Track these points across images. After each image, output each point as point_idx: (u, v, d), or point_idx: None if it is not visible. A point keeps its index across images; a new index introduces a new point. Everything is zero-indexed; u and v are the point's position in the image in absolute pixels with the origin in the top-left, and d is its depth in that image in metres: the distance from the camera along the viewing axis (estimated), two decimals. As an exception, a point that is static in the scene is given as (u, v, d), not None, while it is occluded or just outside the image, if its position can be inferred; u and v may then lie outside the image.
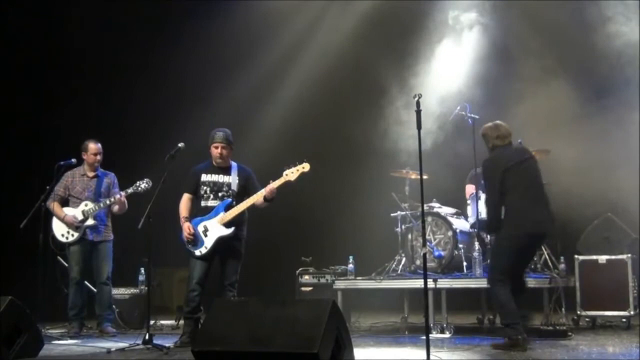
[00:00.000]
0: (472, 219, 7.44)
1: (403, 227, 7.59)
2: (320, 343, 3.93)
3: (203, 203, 6.19)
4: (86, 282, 7.32)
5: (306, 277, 7.61)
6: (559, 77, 7.81)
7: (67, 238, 7.11)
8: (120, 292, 7.83)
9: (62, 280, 7.40)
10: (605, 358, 5.12)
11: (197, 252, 6.09)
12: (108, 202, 7.12)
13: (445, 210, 7.67)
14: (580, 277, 6.85)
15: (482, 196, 7.35)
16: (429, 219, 7.48)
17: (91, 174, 7.30)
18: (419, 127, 4.79)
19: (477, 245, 7.00)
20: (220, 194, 6.18)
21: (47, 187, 7.07)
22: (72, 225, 7.09)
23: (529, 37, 8.25)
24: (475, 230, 7.30)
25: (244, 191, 6.22)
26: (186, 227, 6.08)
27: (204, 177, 6.24)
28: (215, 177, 6.23)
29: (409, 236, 7.53)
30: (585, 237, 7.39)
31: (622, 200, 7.50)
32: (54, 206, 7.11)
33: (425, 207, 6.31)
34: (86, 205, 7.14)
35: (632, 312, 6.73)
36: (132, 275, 8.07)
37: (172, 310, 8.97)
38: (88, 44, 9.86)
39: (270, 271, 9.48)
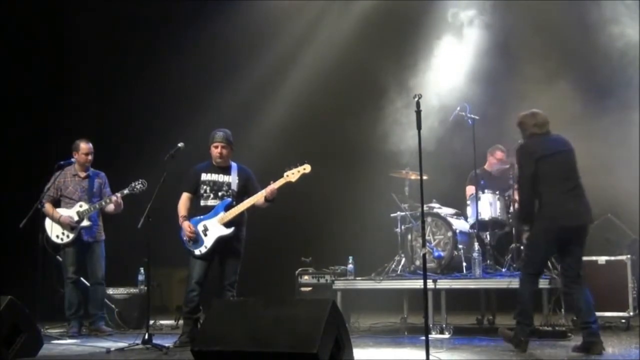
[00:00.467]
0: (472, 220, 7.44)
1: (403, 227, 7.59)
2: (319, 343, 3.93)
3: (203, 202, 6.19)
4: (82, 279, 7.32)
5: (306, 277, 7.61)
6: (559, 77, 7.82)
7: (62, 239, 7.09)
8: (119, 292, 7.84)
9: (58, 280, 7.40)
10: (604, 359, 5.12)
11: (197, 252, 6.08)
12: (104, 203, 7.12)
13: (445, 211, 7.66)
14: (580, 278, 6.83)
15: (482, 197, 7.37)
16: (429, 219, 7.48)
17: (83, 174, 7.28)
18: (419, 127, 4.79)
19: (476, 245, 7.01)
20: (220, 194, 6.18)
21: (46, 187, 7.07)
22: (67, 226, 7.08)
23: (529, 38, 8.26)
24: (475, 230, 7.31)
25: (244, 191, 6.22)
26: (186, 226, 6.08)
27: (204, 177, 6.24)
28: (215, 177, 6.23)
29: (409, 236, 7.53)
30: (585, 237, 7.37)
31: (622, 200, 7.51)
32: (48, 207, 7.08)
33: (425, 207, 6.30)
34: (81, 206, 7.12)
35: (631, 313, 6.74)
36: (132, 275, 8.07)
37: (172, 310, 8.97)
38: (88, 44, 9.88)
39: (270, 271, 9.48)
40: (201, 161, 6.39)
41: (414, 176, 7.55)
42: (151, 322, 6.64)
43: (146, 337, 5.80)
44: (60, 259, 7.27)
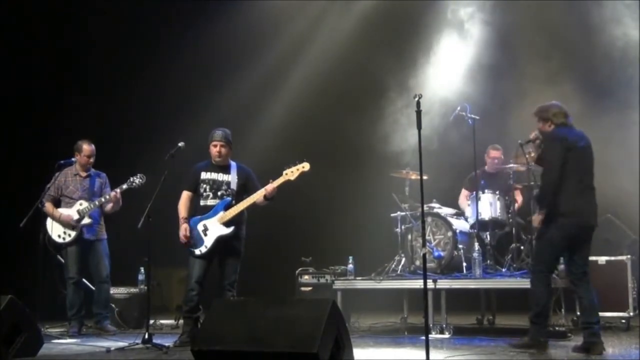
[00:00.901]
0: (472, 220, 7.44)
1: (403, 227, 7.59)
2: (319, 343, 3.93)
3: (202, 202, 6.19)
4: (84, 280, 7.33)
5: (306, 277, 7.61)
6: (560, 77, 7.81)
7: (64, 239, 7.09)
8: (119, 292, 7.83)
9: (60, 281, 7.40)
10: (604, 359, 5.12)
11: (197, 251, 6.08)
12: (103, 199, 7.11)
13: (445, 211, 7.67)
14: (579, 278, 6.83)
15: (482, 197, 7.37)
16: (429, 219, 7.48)
17: (84, 174, 7.29)
18: (419, 127, 4.79)
19: (476, 245, 7.00)
20: (219, 193, 6.18)
21: (47, 187, 7.07)
22: (68, 224, 7.08)
23: (530, 37, 8.26)
24: (475, 230, 7.31)
25: (244, 190, 6.22)
26: (183, 229, 6.08)
27: (204, 175, 6.23)
28: (214, 175, 6.23)
29: (409, 236, 7.53)
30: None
31: (622, 200, 7.51)
32: (48, 207, 7.09)
33: (425, 207, 6.31)
34: (81, 204, 7.13)
35: (631, 314, 6.74)
36: (132, 274, 8.07)
37: (172, 309, 8.97)
38: (89, 44, 9.87)
39: (270, 271, 9.48)
40: (201, 161, 6.39)
41: (414, 176, 7.55)
42: (151, 321, 6.64)
43: (146, 336, 5.82)
44: (62, 259, 7.28)
